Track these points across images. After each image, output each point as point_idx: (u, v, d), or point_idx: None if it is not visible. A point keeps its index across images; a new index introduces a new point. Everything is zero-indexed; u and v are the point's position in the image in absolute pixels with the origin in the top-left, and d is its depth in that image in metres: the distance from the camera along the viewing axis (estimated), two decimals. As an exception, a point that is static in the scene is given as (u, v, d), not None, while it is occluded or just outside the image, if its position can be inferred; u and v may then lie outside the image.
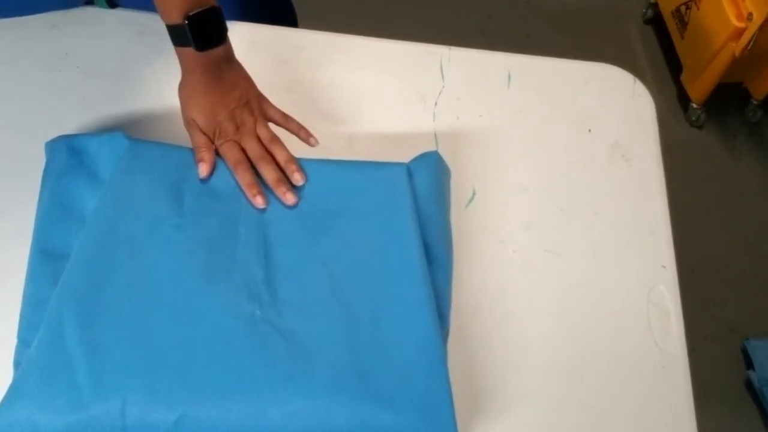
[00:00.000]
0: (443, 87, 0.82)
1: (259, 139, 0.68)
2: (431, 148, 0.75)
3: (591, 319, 0.70)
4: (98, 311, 0.57)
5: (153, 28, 0.78)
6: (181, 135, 0.68)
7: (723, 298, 1.65)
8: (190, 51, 0.63)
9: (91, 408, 0.53)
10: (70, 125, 0.71)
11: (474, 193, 0.75)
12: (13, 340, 0.59)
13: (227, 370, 0.56)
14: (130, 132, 0.66)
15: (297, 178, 0.66)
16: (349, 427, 0.54)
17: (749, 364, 1.53)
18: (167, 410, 0.54)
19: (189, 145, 0.67)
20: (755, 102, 1.84)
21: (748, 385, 1.53)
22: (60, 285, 0.58)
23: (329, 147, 0.75)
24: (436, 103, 0.80)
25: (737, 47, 1.58)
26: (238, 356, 0.57)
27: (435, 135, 0.78)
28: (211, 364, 0.56)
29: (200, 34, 0.63)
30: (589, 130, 0.81)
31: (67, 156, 0.65)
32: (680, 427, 0.66)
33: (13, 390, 0.53)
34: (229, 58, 0.67)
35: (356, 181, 0.66)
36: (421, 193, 0.66)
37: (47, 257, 0.61)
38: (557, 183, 0.77)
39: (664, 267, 0.73)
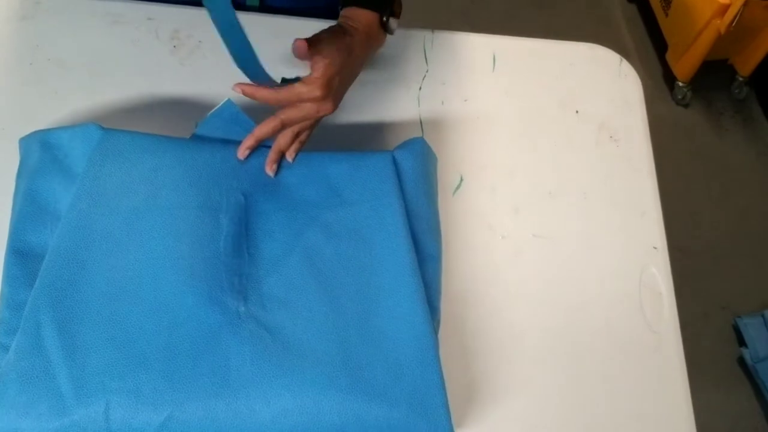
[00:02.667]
0: (427, 71, 0.80)
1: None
2: (416, 134, 0.74)
3: (582, 303, 0.69)
4: (76, 312, 0.55)
5: (127, 17, 0.76)
6: (156, 127, 0.66)
7: (713, 276, 1.65)
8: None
9: (73, 413, 0.52)
10: (43, 120, 0.69)
11: (461, 180, 0.74)
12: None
13: (213, 369, 0.55)
14: (106, 125, 0.64)
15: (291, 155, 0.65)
16: (341, 423, 0.53)
17: (741, 342, 1.53)
18: (152, 412, 0.52)
19: (165, 135, 0.65)
20: (741, 78, 1.83)
21: (741, 362, 1.53)
22: (36, 286, 0.56)
23: (312, 136, 0.73)
24: (420, 88, 0.79)
25: (722, 24, 1.57)
26: (223, 354, 0.55)
27: (420, 121, 0.77)
28: (196, 363, 0.55)
29: None
30: (577, 112, 0.79)
31: (41, 152, 0.63)
32: (676, 408, 0.66)
33: None
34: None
35: (341, 172, 0.64)
36: (408, 182, 0.64)
37: (23, 258, 0.59)
38: (545, 166, 0.76)
39: (655, 248, 0.72)
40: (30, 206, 0.61)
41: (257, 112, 0.65)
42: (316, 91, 0.60)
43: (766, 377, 1.46)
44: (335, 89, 0.62)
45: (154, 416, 0.52)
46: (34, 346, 0.54)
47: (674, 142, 1.81)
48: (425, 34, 0.82)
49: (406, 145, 0.66)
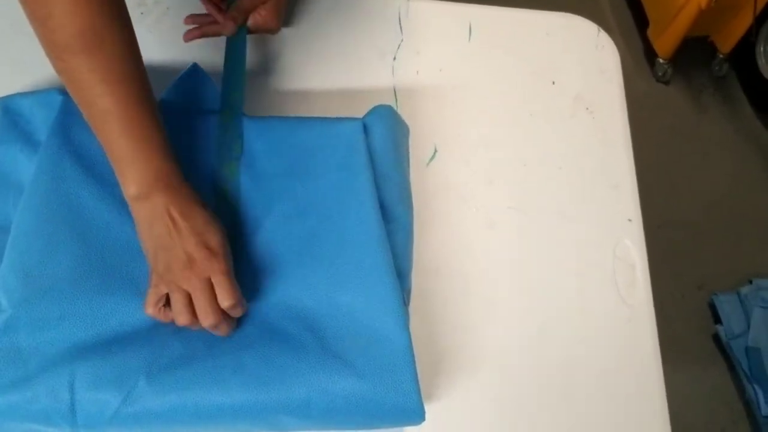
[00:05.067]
0: (402, 41, 0.78)
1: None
2: (390, 104, 0.72)
3: (556, 275, 0.68)
4: (43, 287, 0.54)
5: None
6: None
7: (691, 254, 1.66)
8: None
9: (36, 384, 0.51)
10: (3, 89, 0.67)
11: (435, 150, 0.73)
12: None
13: (180, 342, 0.54)
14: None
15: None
16: (307, 395, 0.53)
17: (717, 319, 1.55)
18: (118, 383, 0.51)
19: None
20: (721, 56, 1.83)
21: (716, 339, 1.55)
22: (3, 261, 0.55)
23: (282, 105, 0.71)
24: (394, 58, 0.77)
25: (703, 0, 1.57)
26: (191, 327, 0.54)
27: (394, 90, 0.75)
28: (164, 336, 0.54)
29: None
30: (553, 83, 0.78)
31: (0, 119, 0.61)
32: (647, 378, 0.66)
33: None
34: None
35: (309, 139, 0.63)
36: (377, 149, 0.63)
37: (-16, 230, 0.57)
38: (520, 137, 0.75)
39: (629, 220, 0.72)
40: (-9, 177, 0.59)
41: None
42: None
43: (740, 353, 1.47)
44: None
45: (119, 388, 0.51)
46: (1, 321, 0.53)
47: (654, 119, 1.81)
48: (400, 3, 0.81)
49: (373, 112, 0.65)
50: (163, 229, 0.53)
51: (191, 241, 0.53)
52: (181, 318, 0.53)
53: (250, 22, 0.68)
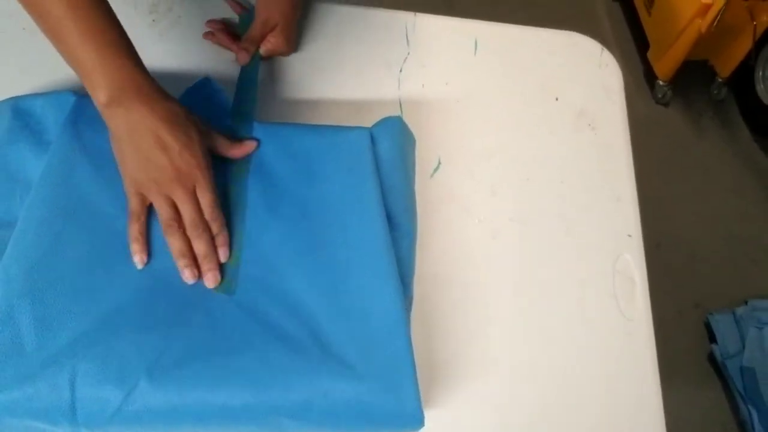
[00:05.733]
0: (408, 54, 0.80)
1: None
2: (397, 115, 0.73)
3: (556, 287, 0.69)
4: (48, 282, 0.54)
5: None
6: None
7: (688, 274, 1.67)
8: None
9: (37, 380, 0.51)
10: (15, 89, 0.67)
11: (439, 162, 0.74)
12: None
13: (183, 341, 0.54)
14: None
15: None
16: (308, 398, 0.53)
17: (713, 339, 1.55)
18: (119, 382, 0.51)
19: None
20: (720, 80, 1.85)
21: (711, 358, 1.55)
22: (6, 255, 0.55)
23: (289, 114, 0.72)
24: (401, 70, 0.78)
25: (703, 24, 1.59)
26: (194, 328, 0.55)
27: (400, 102, 0.76)
28: (166, 336, 0.54)
29: None
30: (556, 99, 0.80)
31: (11, 119, 0.61)
32: (645, 393, 0.66)
33: None
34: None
35: (316, 145, 0.64)
36: (384, 159, 0.64)
37: (-9, 226, 0.58)
38: (523, 151, 0.76)
39: (629, 236, 0.73)
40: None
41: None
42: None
43: (735, 373, 1.48)
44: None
45: (120, 386, 0.51)
46: (4, 315, 0.53)
47: (653, 141, 1.83)
48: (407, 17, 0.82)
49: (383, 122, 0.66)
50: (144, 140, 0.53)
51: (175, 151, 0.54)
52: (171, 229, 0.54)
53: (262, 49, 0.71)
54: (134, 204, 0.57)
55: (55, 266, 0.55)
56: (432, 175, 0.73)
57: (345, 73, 0.77)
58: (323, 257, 0.59)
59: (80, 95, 0.61)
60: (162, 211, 0.56)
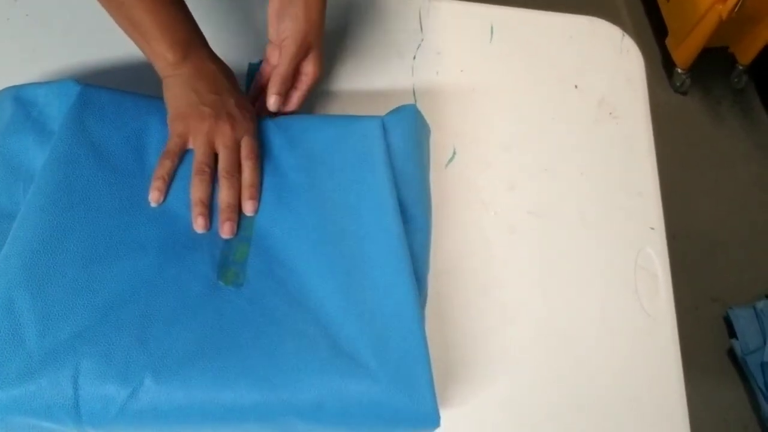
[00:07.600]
0: (422, 40, 0.77)
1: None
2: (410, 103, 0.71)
3: (576, 282, 0.67)
4: (50, 275, 0.52)
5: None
6: (137, 87, 0.63)
7: (705, 267, 1.63)
8: None
9: (40, 377, 0.49)
10: (18, 78, 0.66)
11: (454, 152, 0.71)
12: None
13: (189, 337, 0.52)
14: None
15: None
16: (320, 397, 0.51)
17: (732, 333, 1.52)
18: (123, 380, 0.50)
19: (146, 95, 0.62)
20: (740, 67, 1.81)
21: (731, 354, 1.52)
22: (7, 246, 0.54)
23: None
24: (414, 57, 0.76)
25: (724, 10, 1.55)
26: (200, 323, 0.53)
27: (413, 90, 0.74)
28: (171, 332, 0.52)
29: None
30: (576, 87, 0.77)
31: (14, 108, 0.60)
32: (668, 391, 0.65)
33: None
34: None
35: (327, 135, 0.62)
36: (397, 149, 0.62)
37: (-7, 217, 0.56)
38: (541, 142, 0.73)
39: (652, 229, 0.70)
40: (1, 165, 0.58)
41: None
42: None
43: (756, 369, 1.45)
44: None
45: (125, 383, 0.50)
46: (4, 307, 0.51)
47: (671, 130, 1.79)
48: (421, 2, 0.79)
49: (396, 111, 0.64)
50: (205, 83, 0.58)
51: (232, 101, 0.59)
52: (202, 174, 0.57)
53: (302, 88, 0.66)
54: (172, 144, 0.58)
55: (56, 259, 0.53)
56: (446, 166, 0.71)
57: (357, 61, 0.75)
58: (335, 251, 0.57)
59: (84, 84, 0.60)
60: (200, 152, 0.58)
